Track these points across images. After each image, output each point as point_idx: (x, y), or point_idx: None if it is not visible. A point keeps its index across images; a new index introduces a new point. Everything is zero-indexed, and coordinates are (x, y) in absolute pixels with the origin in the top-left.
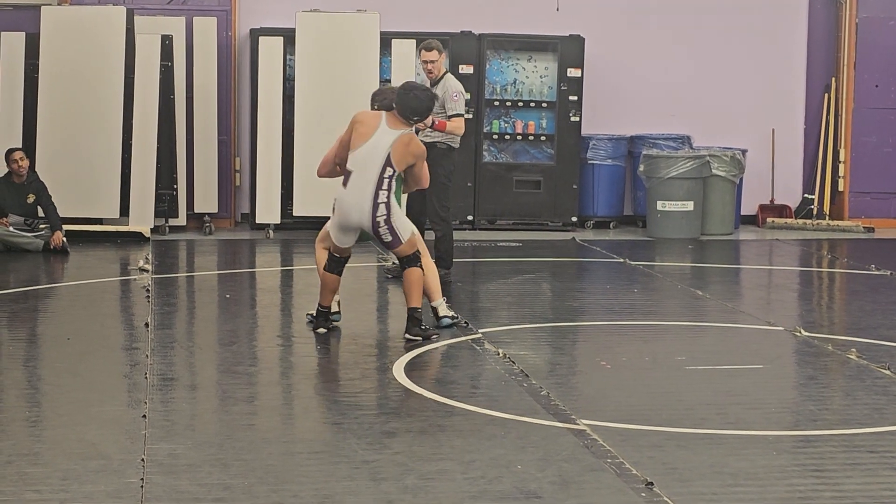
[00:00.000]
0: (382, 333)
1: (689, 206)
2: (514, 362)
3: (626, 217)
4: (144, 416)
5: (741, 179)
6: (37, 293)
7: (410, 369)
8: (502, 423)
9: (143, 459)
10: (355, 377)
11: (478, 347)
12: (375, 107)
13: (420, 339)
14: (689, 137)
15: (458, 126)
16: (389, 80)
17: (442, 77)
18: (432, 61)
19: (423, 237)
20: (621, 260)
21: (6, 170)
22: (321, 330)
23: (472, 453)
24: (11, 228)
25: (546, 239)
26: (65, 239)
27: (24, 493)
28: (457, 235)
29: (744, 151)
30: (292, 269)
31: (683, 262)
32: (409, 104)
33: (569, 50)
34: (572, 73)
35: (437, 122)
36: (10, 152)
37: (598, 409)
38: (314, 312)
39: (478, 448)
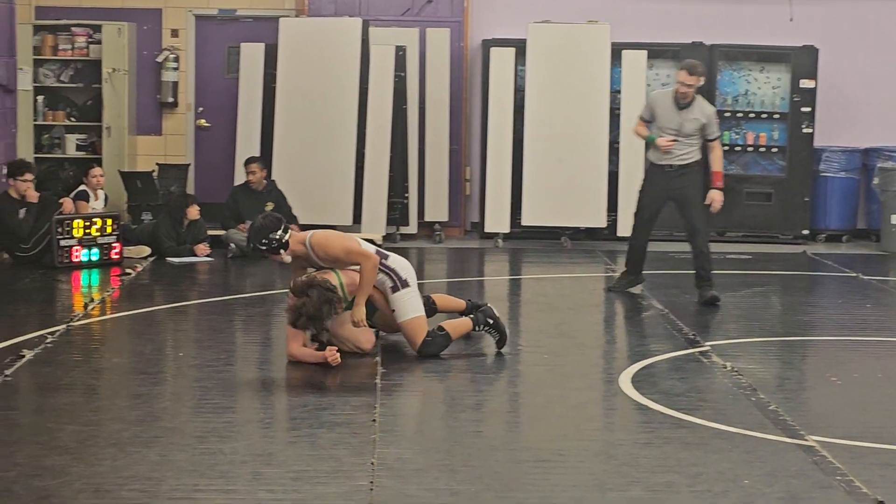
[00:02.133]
0: (609, 344)
1: None
2: (742, 376)
3: (860, 231)
4: (374, 420)
5: None
6: (272, 297)
7: (636, 380)
8: (729, 436)
9: (372, 463)
10: (581, 387)
11: (705, 360)
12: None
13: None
14: None
15: (720, 149)
16: (619, 91)
17: (693, 99)
18: (690, 85)
19: (642, 253)
20: (854, 274)
21: (244, 178)
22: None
23: (698, 466)
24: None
25: (776, 252)
26: None
27: (258, 492)
28: (684, 247)
29: None
30: (521, 279)
31: None
32: (260, 230)
33: (802, 60)
34: (805, 84)
35: (715, 181)
36: (247, 162)
37: (828, 426)
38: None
39: (704, 461)
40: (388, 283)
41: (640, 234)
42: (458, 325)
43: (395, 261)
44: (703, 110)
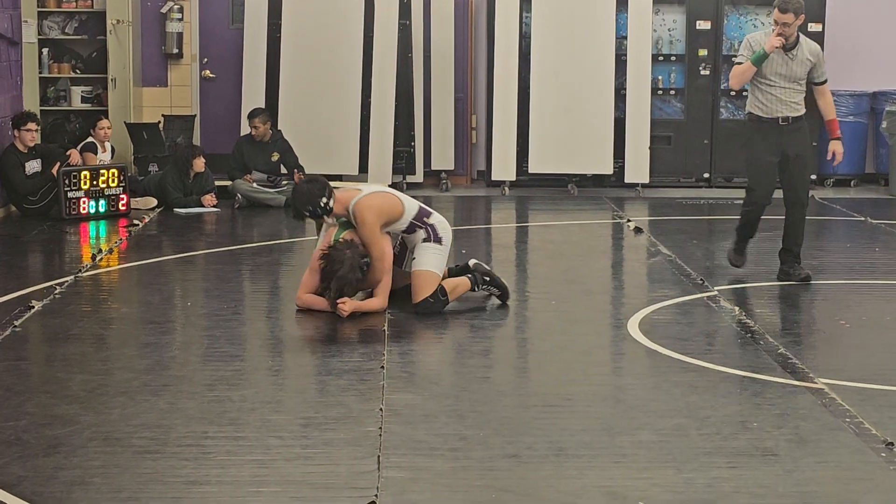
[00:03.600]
0: (617, 290)
1: None
2: (750, 320)
3: (868, 175)
4: (383, 367)
5: None
6: (279, 247)
7: (644, 325)
8: (738, 380)
9: (381, 409)
10: (589, 332)
11: (713, 304)
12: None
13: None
14: None
15: (830, 94)
16: (625, 37)
17: (798, 38)
18: (786, 24)
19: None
20: (862, 218)
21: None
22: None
23: (706, 410)
24: (255, 185)
25: None
26: None
27: (267, 438)
28: (691, 193)
29: None
30: (527, 226)
31: None
32: (307, 195)
33: (809, 4)
34: (813, 27)
35: (834, 130)
36: (250, 117)
37: (837, 368)
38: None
39: (713, 405)
40: (422, 235)
41: (758, 209)
42: (457, 286)
43: (437, 219)
44: (811, 50)
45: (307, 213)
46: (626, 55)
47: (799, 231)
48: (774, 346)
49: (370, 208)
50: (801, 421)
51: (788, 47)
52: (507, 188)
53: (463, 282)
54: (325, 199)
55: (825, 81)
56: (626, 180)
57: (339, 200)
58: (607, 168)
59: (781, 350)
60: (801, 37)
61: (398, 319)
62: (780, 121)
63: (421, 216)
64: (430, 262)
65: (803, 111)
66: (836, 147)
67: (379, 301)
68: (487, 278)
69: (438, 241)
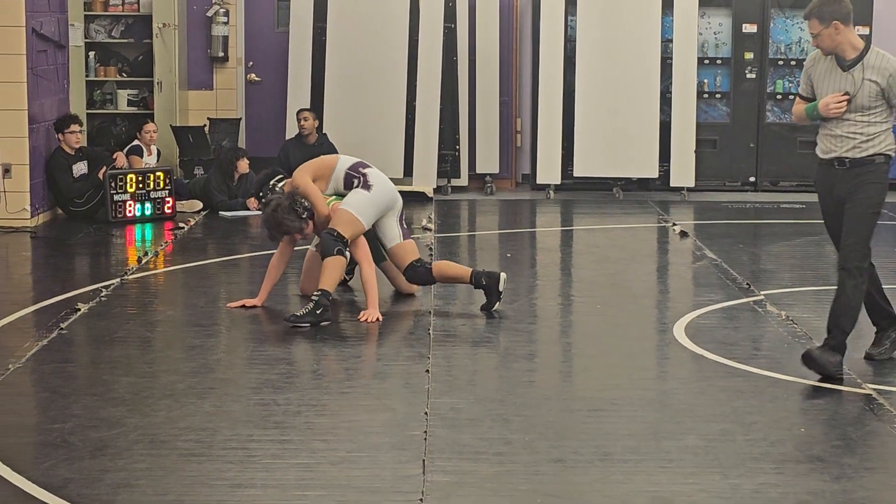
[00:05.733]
0: (662, 294)
1: None
2: (797, 324)
3: None
4: (427, 370)
5: None
6: None
7: (690, 330)
8: (785, 385)
9: (426, 413)
10: (635, 337)
11: (760, 309)
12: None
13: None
14: None
15: None
16: (671, 40)
17: (865, 52)
18: (815, 34)
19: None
20: None
21: (296, 130)
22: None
23: (753, 415)
24: None
25: None
26: None
27: (312, 442)
28: (737, 197)
29: None
30: (572, 230)
31: None
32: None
33: (856, 6)
34: (860, 30)
35: None
36: (299, 112)
37: (885, 374)
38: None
39: (760, 410)
40: (354, 184)
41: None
42: (456, 271)
43: (373, 172)
44: (879, 67)
45: (262, 197)
46: (671, 58)
47: (843, 304)
48: None
49: (299, 169)
50: (849, 426)
51: (849, 65)
52: (552, 192)
53: (464, 271)
54: (273, 181)
55: None
56: (672, 184)
57: (289, 182)
58: (653, 171)
59: None
60: (873, 50)
61: (442, 323)
62: (836, 164)
63: (357, 167)
64: (350, 201)
65: (875, 149)
66: None
67: (365, 268)
68: (484, 281)
69: (367, 187)
